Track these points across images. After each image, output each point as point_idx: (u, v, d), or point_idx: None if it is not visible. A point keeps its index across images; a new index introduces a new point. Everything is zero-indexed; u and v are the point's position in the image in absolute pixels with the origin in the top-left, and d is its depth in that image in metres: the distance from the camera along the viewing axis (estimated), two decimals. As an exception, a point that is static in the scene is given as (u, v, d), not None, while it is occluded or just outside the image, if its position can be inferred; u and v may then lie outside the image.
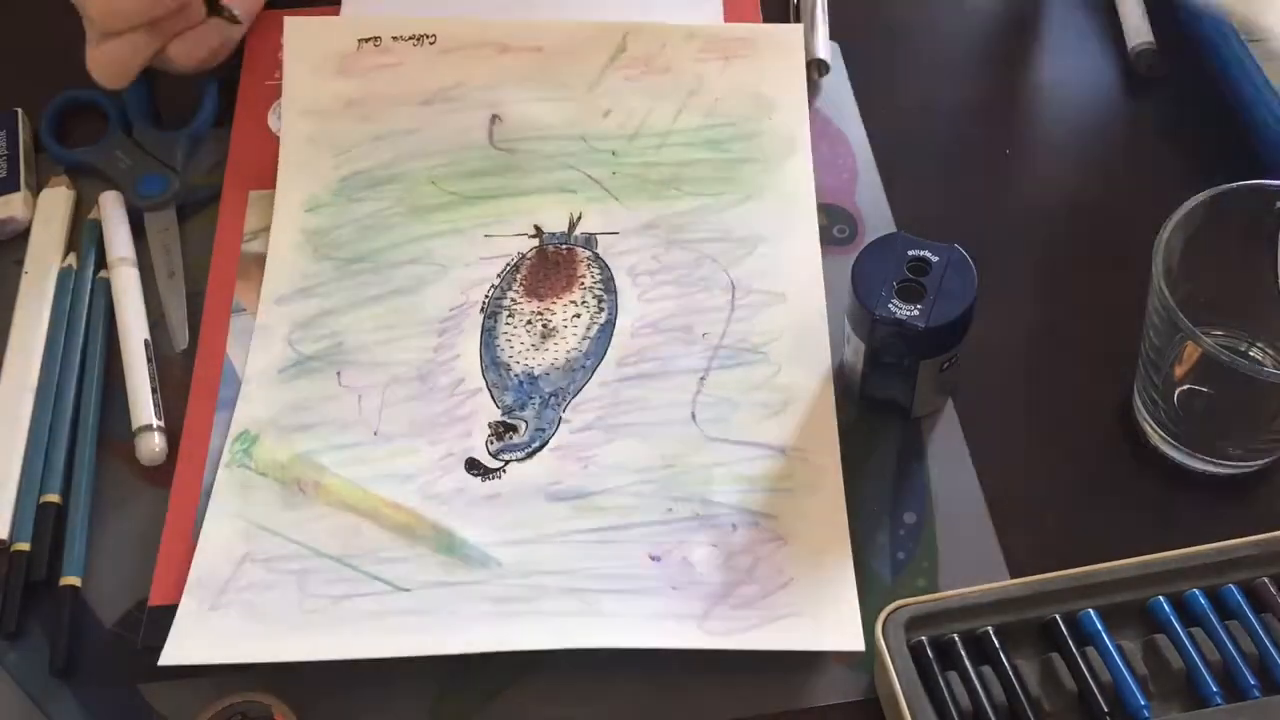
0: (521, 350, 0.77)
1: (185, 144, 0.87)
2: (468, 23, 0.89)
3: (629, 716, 0.67)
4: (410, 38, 0.89)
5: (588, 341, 0.77)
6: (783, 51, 0.86)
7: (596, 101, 0.86)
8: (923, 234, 0.72)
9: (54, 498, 0.74)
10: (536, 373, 0.76)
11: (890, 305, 0.69)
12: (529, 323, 0.78)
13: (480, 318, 0.79)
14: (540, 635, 0.67)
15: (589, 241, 0.81)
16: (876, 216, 0.83)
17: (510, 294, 0.79)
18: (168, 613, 0.70)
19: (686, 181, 0.83)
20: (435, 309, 0.79)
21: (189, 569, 0.70)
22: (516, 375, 0.76)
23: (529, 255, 0.81)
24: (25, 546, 0.73)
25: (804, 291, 0.78)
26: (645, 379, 0.76)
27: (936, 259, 0.70)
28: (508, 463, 0.74)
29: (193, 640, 0.68)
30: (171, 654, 0.68)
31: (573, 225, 0.82)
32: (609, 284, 0.79)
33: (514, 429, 0.75)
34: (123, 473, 0.76)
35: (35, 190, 0.86)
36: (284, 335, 0.79)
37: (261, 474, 0.74)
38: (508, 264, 0.81)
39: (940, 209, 0.83)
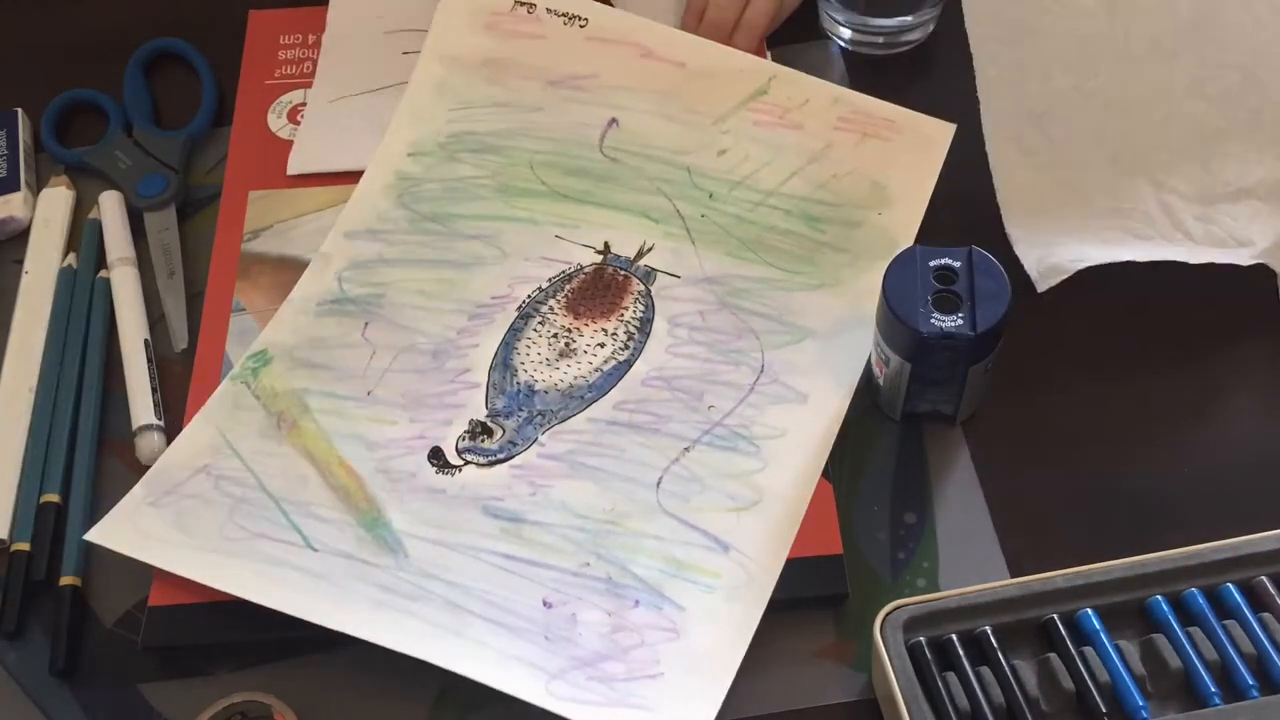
0: (535, 361, 0.77)
1: (185, 144, 0.87)
2: (622, 17, 0.88)
3: (628, 716, 0.68)
4: (563, 14, 0.88)
5: (598, 374, 0.76)
6: (924, 146, 0.82)
7: (717, 136, 0.84)
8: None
9: (54, 498, 0.74)
10: (537, 388, 0.76)
11: (933, 321, 0.69)
12: (554, 336, 0.78)
13: (514, 315, 0.79)
14: (401, 638, 0.67)
15: (647, 276, 0.80)
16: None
17: (551, 302, 0.79)
18: (168, 613, 0.70)
19: (767, 249, 0.80)
20: (478, 292, 0.79)
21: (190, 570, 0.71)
22: (518, 383, 0.76)
23: (586, 269, 0.80)
24: (25, 546, 0.73)
25: (827, 401, 0.75)
26: (633, 430, 0.74)
27: (959, 264, 0.70)
28: (468, 464, 0.74)
29: (124, 528, 0.71)
30: (98, 534, 0.71)
31: (640, 254, 0.80)
32: (646, 325, 0.78)
33: (490, 433, 0.74)
34: (123, 473, 0.76)
35: (35, 190, 0.86)
36: (337, 270, 0.80)
37: (255, 396, 0.76)
38: (563, 271, 0.80)
39: (940, 208, 0.83)
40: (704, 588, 0.69)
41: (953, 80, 0.81)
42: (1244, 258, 0.76)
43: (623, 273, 0.80)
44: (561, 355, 0.77)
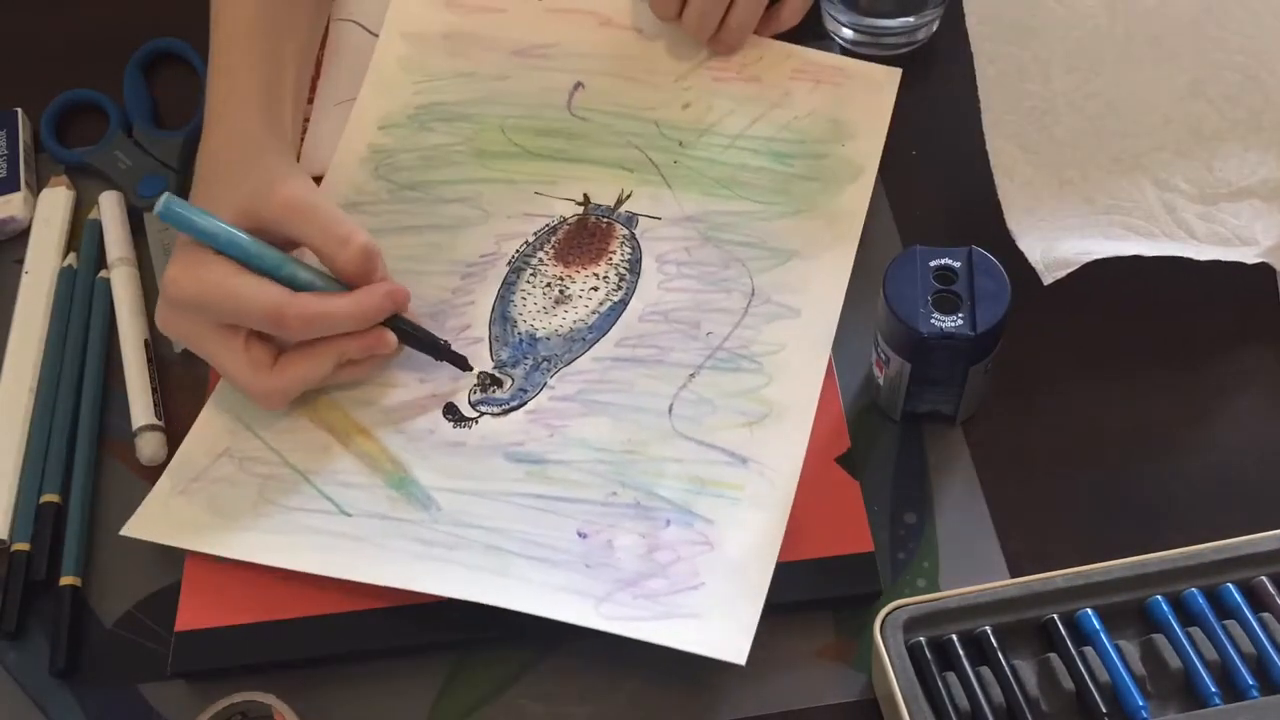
0: (533, 310, 0.78)
1: (185, 144, 0.87)
2: None
3: (628, 717, 0.68)
4: None
5: (596, 316, 0.78)
6: (875, 90, 0.85)
7: (680, 93, 0.86)
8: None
9: (54, 498, 0.74)
10: (539, 335, 0.77)
11: (933, 321, 0.69)
12: (548, 285, 0.79)
13: (505, 270, 0.80)
14: (450, 584, 0.68)
15: (630, 220, 0.81)
16: (877, 216, 0.82)
17: (540, 254, 0.80)
18: (195, 637, 0.70)
19: (742, 185, 0.82)
20: (467, 252, 0.81)
21: (216, 591, 0.71)
22: (520, 333, 0.77)
23: (569, 220, 0.82)
24: (25, 546, 0.73)
25: (819, 313, 0.77)
26: (637, 364, 0.76)
27: (959, 264, 0.70)
28: (483, 415, 0.75)
29: (156, 519, 0.72)
30: (134, 527, 0.72)
31: (620, 201, 0.82)
32: (635, 265, 0.80)
33: (499, 383, 0.76)
34: (123, 473, 0.76)
35: (35, 190, 0.86)
36: None
37: None
38: (547, 224, 0.81)
39: (940, 208, 0.83)
40: (729, 500, 0.71)
41: (954, 80, 0.81)
42: (1248, 256, 0.76)
43: (605, 220, 0.82)
44: (557, 302, 0.78)
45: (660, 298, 0.78)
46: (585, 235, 0.81)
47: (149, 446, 0.76)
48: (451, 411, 0.75)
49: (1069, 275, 0.74)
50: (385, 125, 0.86)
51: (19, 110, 0.89)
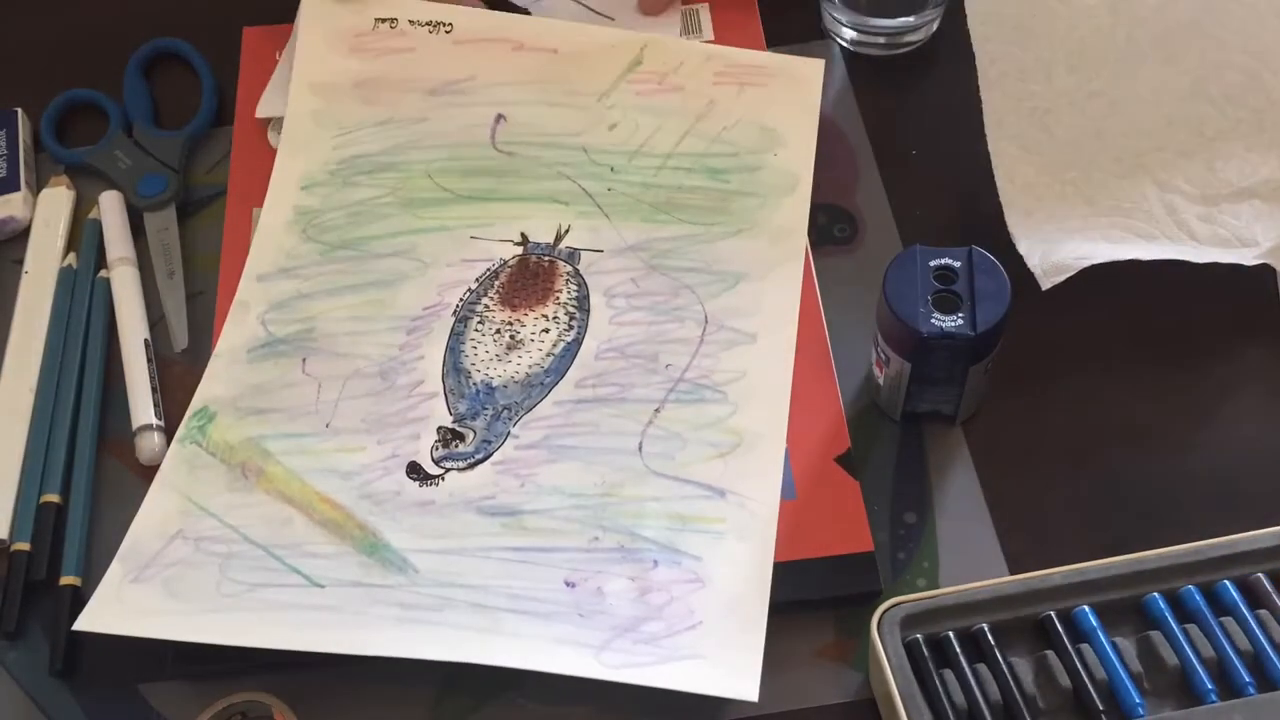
0: (485, 359, 0.77)
1: (185, 144, 0.87)
2: (485, 15, 0.88)
3: (628, 716, 0.68)
4: (426, 23, 0.88)
5: (551, 358, 0.76)
6: (800, 85, 0.84)
7: (604, 113, 0.85)
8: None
9: (54, 498, 0.75)
10: (495, 384, 0.76)
11: (933, 321, 0.69)
12: (497, 332, 0.78)
13: (451, 321, 0.78)
14: (438, 647, 0.67)
15: (572, 256, 0.80)
16: (876, 216, 0.83)
17: (485, 300, 0.79)
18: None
19: (680, 208, 0.81)
20: (409, 306, 0.79)
21: None
22: (475, 384, 0.76)
23: (510, 262, 0.80)
24: (25, 546, 0.73)
25: (775, 336, 0.76)
26: (600, 403, 0.75)
27: (959, 264, 0.70)
28: (448, 471, 0.73)
29: (110, 609, 0.69)
30: (87, 621, 0.68)
31: (559, 238, 0.81)
32: (583, 302, 0.78)
33: (461, 438, 0.74)
34: (123, 473, 0.76)
35: (35, 190, 0.86)
36: (259, 314, 0.79)
37: (211, 454, 0.74)
38: (488, 269, 0.80)
39: (940, 208, 0.83)
40: (713, 535, 0.70)
41: (955, 80, 0.81)
42: (1247, 257, 0.76)
43: (547, 258, 0.80)
44: (509, 348, 0.77)
45: (614, 333, 0.77)
46: (528, 276, 0.79)
47: (149, 446, 0.76)
48: (415, 470, 0.73)
49: (1075, 272, 0.74)
50: (308, 185, 0.83)
51: (19, 110, 0.89)
